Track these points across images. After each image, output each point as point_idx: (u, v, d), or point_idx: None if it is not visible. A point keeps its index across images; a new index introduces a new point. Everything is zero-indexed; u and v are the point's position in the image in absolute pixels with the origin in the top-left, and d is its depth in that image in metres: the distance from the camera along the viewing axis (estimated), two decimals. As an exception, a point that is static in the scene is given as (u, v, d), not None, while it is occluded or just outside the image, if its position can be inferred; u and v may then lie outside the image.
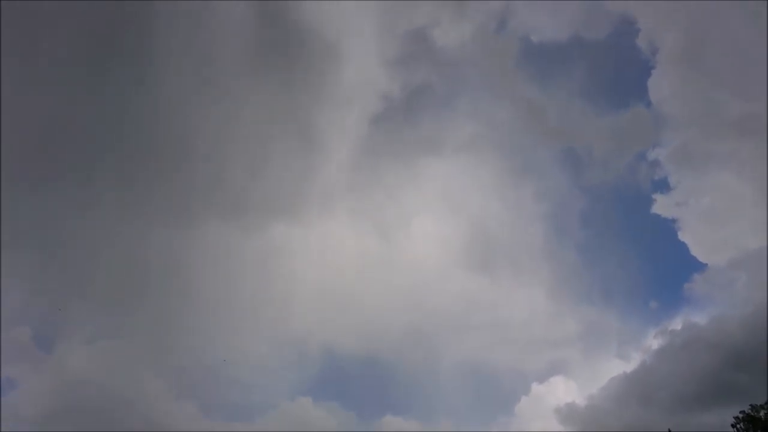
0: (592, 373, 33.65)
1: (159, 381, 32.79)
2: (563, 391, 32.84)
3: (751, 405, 21.83)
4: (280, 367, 34.88)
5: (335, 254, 37.24)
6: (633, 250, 37.03)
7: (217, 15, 36.06)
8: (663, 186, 33.90)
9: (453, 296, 36.68)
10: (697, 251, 31.67)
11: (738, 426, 22.00)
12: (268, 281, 36.13)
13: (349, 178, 37.94)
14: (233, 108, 36.17)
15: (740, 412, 22.02)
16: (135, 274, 34.83)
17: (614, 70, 37.28)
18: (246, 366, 34.15)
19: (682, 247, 32.16)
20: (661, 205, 33.57)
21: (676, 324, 31.46)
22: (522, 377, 34.18)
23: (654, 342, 30.99)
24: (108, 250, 33.56)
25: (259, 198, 36.32)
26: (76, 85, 34.17)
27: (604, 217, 37.67)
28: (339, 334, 35.44)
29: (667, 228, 33.34)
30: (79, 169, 33.06)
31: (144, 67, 35.06)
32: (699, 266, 31.85)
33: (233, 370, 34.02)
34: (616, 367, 32.20)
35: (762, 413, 21.55)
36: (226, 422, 33.40)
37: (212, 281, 35.30)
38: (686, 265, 32.78)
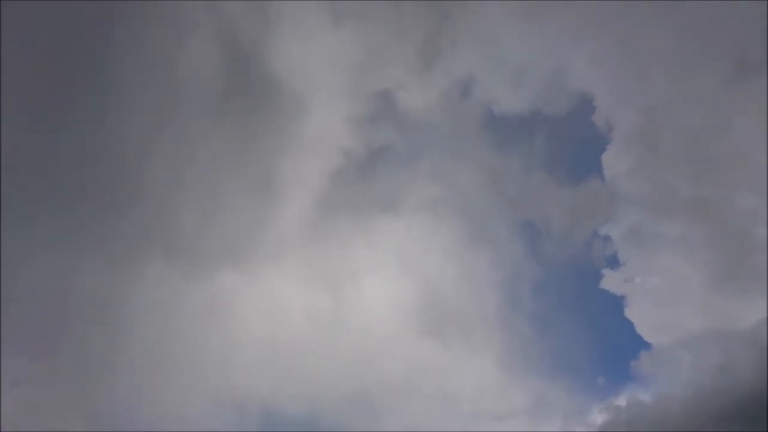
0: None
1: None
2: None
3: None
4: (217, 427, 32.75)
5: (283, 309, 35.89)
6: (583, 324, 37.21)
7: (185, 55, 35.71)
8: (613, 262, 34.50)
9: (401, 361, 35.62)
10: (643, 329, 31.93)
11: None
12: (210, 333, 34.25)
13: (303, 232, 37.07)
14: (191, 149, 35.26)
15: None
16: (64, 314, 32.51)
17: (572, 145, 38.49)
18: (180, 425, 31.91)
19: (629, 325, 32.50)
20: (610, 281, 33.96)
21: (621, 401, 31.26)
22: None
23: (599, 417, 30.71)
24: (36, 287, 31.32)
25: (209, 244, 34.94)
26: (30, 111, 32.73)
27: (557, 289, 37.89)
28: (281, 395, 33.65)
29: (615, 304, 33.71)
30: (11, 196, 31.13)
31: (101, 100, 33.99)
32: (645, 344, 32.09)
33: (166, 428, 31.72)
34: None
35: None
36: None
37: (149, 328, 33.17)
38: (633, 342, 32.91)
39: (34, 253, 31.44)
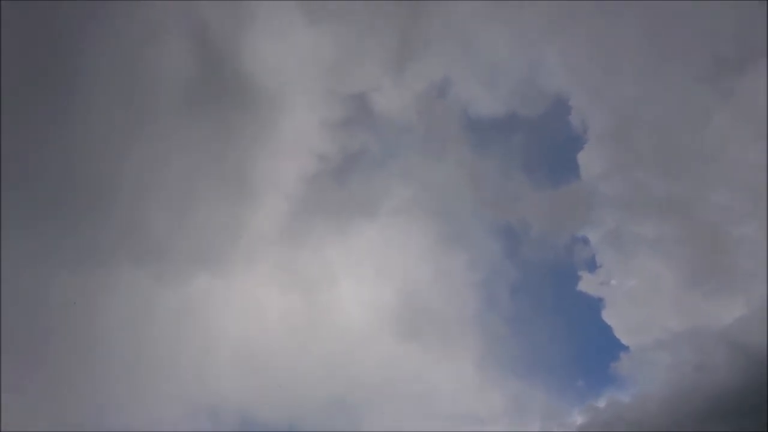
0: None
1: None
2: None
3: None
4: (194, 433, 32.33)
5: (257, 313, 35.48)
6: (561, 326, 36.95)
7: (157, 55, 35.32)
8: (590, 264, 34.25)
9: (379, 364, 35.26)
10: (620, 331, 31.70)
11: None
12: (184, 338, 33.83)
13: (278, 235, 36.73)
14: (161, 150, 34.90)
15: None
16: (36, 322, 32.06)
17: (549, 146, 38.38)
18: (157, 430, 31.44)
19: (607, 327, 32.28)
20: (587, 283, 33.69)
21: (600, 402, 31.02)
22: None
23: (578, 419, 30.50)
24: (5, 295, 30.83)
25: (181, 246, 34.46)
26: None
27: (535, 292, 37.64)
28: (257, 401, 33.21)
29: (593, 306, 33.46)
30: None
31: (69, 102, 33.57)
32: (623, 346, 31.86)
33: (142, 433, 31.26)
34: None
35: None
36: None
37: (123, 333, 32.63)
38: (611, 344, 32.68)
39: (8, 262, 30.91)
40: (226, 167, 35.87)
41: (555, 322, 36.51)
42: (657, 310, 31.62)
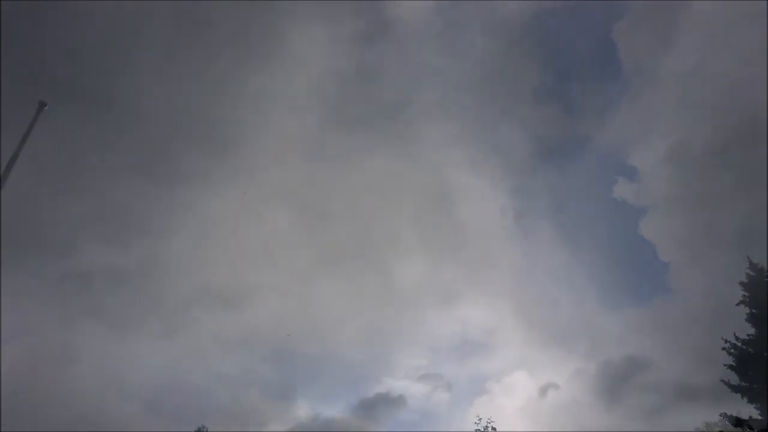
0: (558, 368, 32.50)
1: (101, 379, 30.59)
2: (524, 387, 31.84)
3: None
4: (231, 368, 32.75)
5: (278, 236, 34.75)
6: (605, 237, 35.20)
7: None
8: (634, 174, 31.79)
9: (411, 285, 34.57)
10: (670, 243, 30.00)
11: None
12: (207, 263, 33.44)
13: (295, 152, 35.42)
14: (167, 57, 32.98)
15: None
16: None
17: (581, 37, 34.99)
18: (198, 368, 31.95)
19: (652, 240, 30.58)
20: (632, 192, 31.42)
21: (648, 314, 30.17)
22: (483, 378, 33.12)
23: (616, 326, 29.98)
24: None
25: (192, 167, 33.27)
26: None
27: (576, 202, 35.71)
28: (292, 333, 33.28)
29: (637, 216, 31.50)
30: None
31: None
32: (673, 259, 30.36)
33: (182, 372, 31.97)
34: (582, 360, 31.11)
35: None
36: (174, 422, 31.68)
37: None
38: (657, 256, 31.19)
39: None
40: (238, 83, 34.04)
41: (597, 232, 34.66)
42: (712, 220, 29.81)
